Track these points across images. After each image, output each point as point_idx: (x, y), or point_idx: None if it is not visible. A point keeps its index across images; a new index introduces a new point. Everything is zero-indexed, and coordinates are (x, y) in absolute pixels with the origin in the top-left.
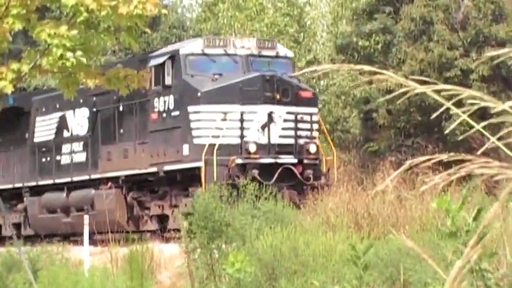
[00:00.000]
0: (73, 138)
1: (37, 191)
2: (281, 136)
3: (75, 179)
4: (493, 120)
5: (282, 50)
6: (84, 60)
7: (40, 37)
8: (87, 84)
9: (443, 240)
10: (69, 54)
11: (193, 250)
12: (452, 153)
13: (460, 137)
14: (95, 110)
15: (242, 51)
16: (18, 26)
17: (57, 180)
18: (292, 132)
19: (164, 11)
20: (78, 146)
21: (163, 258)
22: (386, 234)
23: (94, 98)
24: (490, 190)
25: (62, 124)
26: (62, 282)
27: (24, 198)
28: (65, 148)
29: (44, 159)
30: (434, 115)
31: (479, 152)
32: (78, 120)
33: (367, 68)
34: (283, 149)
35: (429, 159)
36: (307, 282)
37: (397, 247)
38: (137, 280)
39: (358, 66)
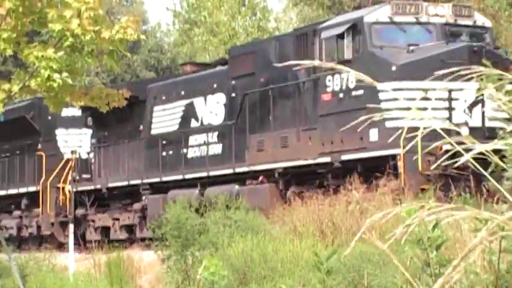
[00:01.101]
0: (205, 128)
1: (159, 188)
2: (493, 118)
3: (213, 173)
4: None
5: (480, 19)
6: (69, 81)
7: (28, 59)
8: (73, 104)
9: (402, 246)
10: (55, 76)
11: (169, 257)
12: (405, 204)
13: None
14: (234, 95)
15: (436, 19)
16: (9, 51)
17: (188, 176)
18: (506, 114)
19: (143, 37)
20: (212, 136)
21: (143, 265)
22: (349, 241)
23: (233, 82)
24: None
25: (189, 113)
26: (49, 286)
27: (143, 197)
28: (194, 139)
29: (165, 153)
30: None
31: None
32: (211, 108)
33: None
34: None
35: (387, 214)
36: (276, 286)
37: (359, 253)
38: (117, 285)
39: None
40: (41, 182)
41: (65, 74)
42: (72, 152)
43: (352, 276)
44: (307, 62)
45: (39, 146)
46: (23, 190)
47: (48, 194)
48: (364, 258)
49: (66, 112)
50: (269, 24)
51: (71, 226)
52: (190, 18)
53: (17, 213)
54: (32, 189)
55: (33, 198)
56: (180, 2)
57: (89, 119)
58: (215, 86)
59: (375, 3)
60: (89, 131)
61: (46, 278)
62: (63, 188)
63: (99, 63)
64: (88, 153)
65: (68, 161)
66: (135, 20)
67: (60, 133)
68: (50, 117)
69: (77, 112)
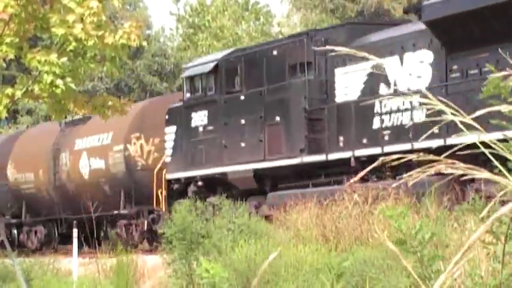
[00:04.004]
0: None
1: None
2: None
3: None
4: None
5: None
6: (73, 86)
7: (31, 64)
8: (76, 112)
9: (399, 249)
10: (58, 81)
11: (173, 261)
12: (421, 154)
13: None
14: None
15: None
16: (11, 55)
17: None
18: None
19: (144, 44)
20: None
21: (147, 269)
22: (352, 246)
23: None
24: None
25: None
26: None
27: None
28: None
29: None
30: None
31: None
32: None
33: None
34: None
35: (400, 158)
36: None
37: (362, 258)
38: None
39: None
40: None
41: (68, 79)
42: None
43: (356, 281)
44: None
45: None
46: None
47: None
48: (368, 263)
49: None
50: (272, 29)
51: (75, 230)
52: (194, 22)
53: None
54: None
55: None
56: (184, 6)
57: None
58: None
59: (376, 8)
60: None
61: (50, 283)
62: None
63: (102, 68)
64: None
65: None
66: (138, 25)
67: None
68: None
69: None
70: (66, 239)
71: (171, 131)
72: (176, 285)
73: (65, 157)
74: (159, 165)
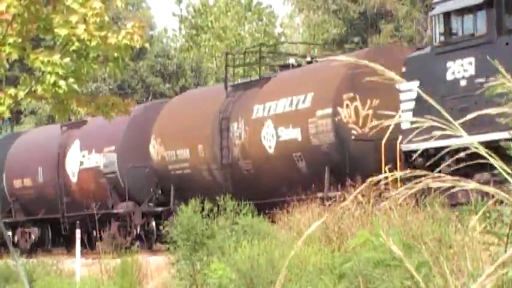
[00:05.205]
0: None
1: None
2: None
3: None
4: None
5: None
6: (75, 87)
7: (34, 64)
8: (79, 111)
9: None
10: (61, 82)
11: (177, 261)
12: (408, 170)
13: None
14: None
15: None
16: (15, 56)
17: None
18: None
19: (146, 45)
20: None
21: (150, 269)
22: (355, 246)
23: None
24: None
25: None
26: None
27: None
28: None
29: None
30: None
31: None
32: None
33: None
34: None
35: (387, 177)
36: None
37: (366, 258)
38: None
39: None
40: None
41: (71, 80)
42: None
43: (359, 281)
44: None
45: None
46: None
47: None
48: (371, 263)
49: None
50: (275, 30)
51: (78, 231)
52: (197, 23)
53: None
54: None
55: None
56: (187, 7)
57: None
58: None
59: (379, 9)
60: None
61: (53, 283)
62: None
63: (104, 69)
64: None
65: None
66: (141, 26)
67: None
68: None
69: None
70: None
71: (410, 88)
72: (180, 286)
73: (238, 128)
74: (387, 135)
